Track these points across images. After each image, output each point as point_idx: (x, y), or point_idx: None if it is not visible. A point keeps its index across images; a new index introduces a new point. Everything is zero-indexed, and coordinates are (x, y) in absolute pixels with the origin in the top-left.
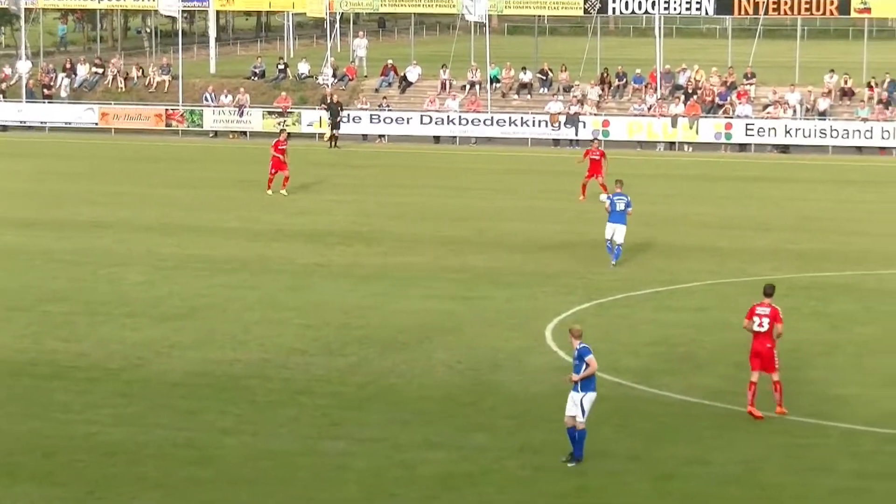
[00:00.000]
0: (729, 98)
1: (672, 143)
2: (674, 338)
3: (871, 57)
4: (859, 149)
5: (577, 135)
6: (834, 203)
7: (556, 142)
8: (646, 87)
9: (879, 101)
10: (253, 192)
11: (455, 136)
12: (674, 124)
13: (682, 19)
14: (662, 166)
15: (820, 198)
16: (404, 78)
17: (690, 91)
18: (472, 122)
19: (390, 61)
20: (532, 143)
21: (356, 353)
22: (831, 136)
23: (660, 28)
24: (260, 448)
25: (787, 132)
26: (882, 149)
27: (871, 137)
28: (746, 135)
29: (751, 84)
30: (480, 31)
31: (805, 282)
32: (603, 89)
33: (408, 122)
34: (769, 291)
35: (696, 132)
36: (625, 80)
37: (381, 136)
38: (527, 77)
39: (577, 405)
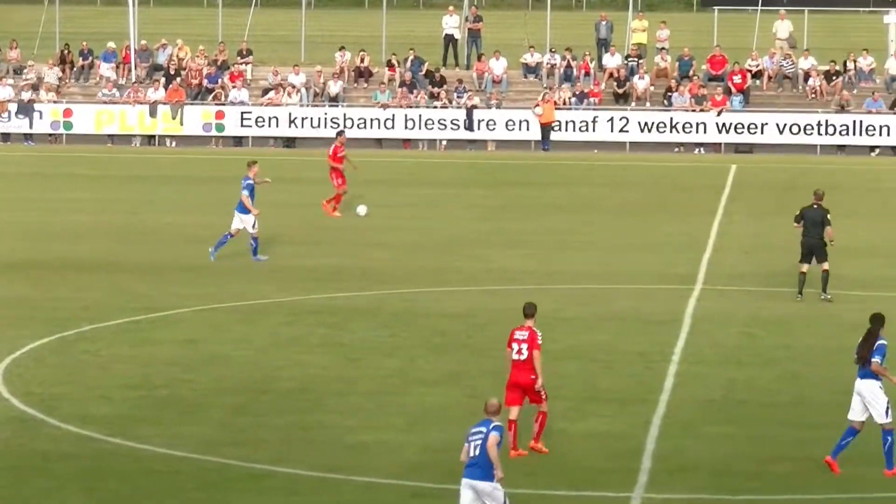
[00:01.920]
0: (220, 81)
1: (151, 137)
2: (155, 377)
3: (392, 30)
4: (379, 141)
5: (31, 127)
6: (351, 209)
7: (6, 136)
8: (118, 67)
9: (402, 84)
10: None
11: None
12: (153, 113)
13: None
14: (139, 165)
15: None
16: None
17: (173, 72)
18: None
19: None
20: None
21: None
22: (345, 126)
23: None
24: None
25: (292, 122)
26: (406, 141)
27: (393, 127)
28: (242, 125)
29: (246, 63)
30: None
31: (314, 305)
32: (64, 70)
33: None
34: (529, 312)
35: (181, 123)
36: (91, 58)
37: None
38: None
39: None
